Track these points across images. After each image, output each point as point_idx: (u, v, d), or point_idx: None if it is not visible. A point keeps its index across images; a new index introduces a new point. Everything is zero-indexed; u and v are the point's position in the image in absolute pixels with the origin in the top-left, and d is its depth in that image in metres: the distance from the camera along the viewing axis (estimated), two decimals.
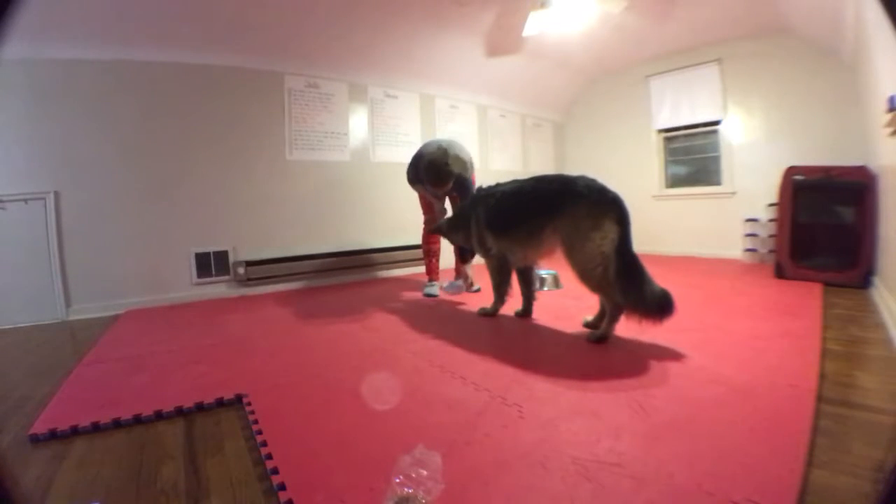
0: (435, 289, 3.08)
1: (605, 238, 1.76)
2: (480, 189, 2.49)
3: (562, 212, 1.88)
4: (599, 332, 1.84)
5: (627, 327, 1.80)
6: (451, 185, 2.69)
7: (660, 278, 1.79)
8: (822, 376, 1.40)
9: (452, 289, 2.63)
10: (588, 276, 1.81)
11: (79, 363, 1.88)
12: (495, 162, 5.14)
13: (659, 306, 1.69)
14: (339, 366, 1.71)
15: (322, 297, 3.26)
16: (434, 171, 2.63)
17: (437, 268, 3.21)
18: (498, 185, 2.32)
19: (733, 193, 4.39)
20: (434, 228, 2.71)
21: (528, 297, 2.35)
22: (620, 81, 5.20)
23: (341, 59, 3.81)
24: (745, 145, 4.30)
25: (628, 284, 1.73)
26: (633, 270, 1.75)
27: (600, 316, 1.98)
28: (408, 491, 0.85)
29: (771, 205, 3.86)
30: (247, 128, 3.51)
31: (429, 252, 3.19)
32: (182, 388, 1.53)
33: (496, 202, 2.22)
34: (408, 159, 2.99)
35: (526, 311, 2.34)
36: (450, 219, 2.61)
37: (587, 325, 2.04)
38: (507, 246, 2.20)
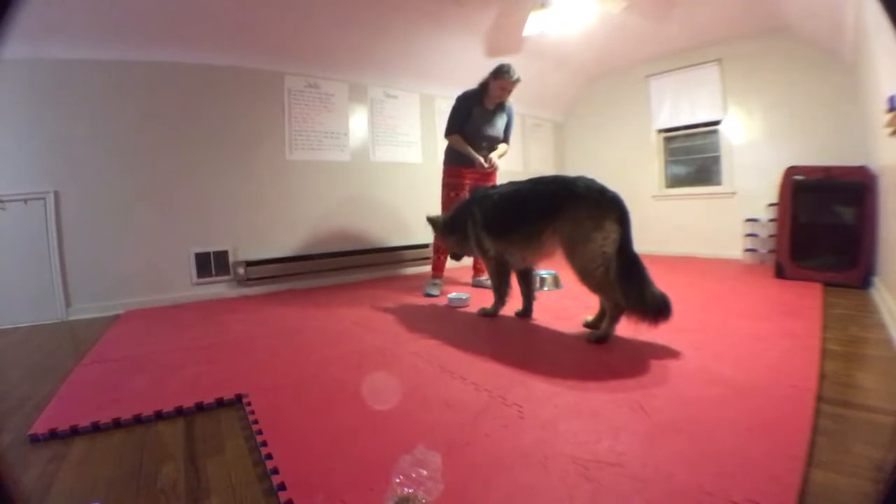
0: (436, 289, 3.08)
1: (607, 238, 1.76)
2: (477, 189, 2.49)
3: (562, 213, 1.88)
4: (600, 332, 1.84)
5: (627, 327, 1.80)
6: (516, 85, 2.92)
7: (660, 278, 1.79)
8: (822, 376, 1.40)
9: (457, 302, 2.67)
10: (589, 277, 1.81)
11: (79, 363, 1.88)
12: None
13: (657, 309, 1.69)
14: (339, 366, 1.71)
15: (322, 297, 3.26)
16: (506, 67, 2.86)
17: (444, 266, 3.21)
18: (494, 186, 2.33)
19: (733, 193, 4.39)
20: (432, 223, 2.69)
21: (528, 297, 2.35)
22: (620, 81, 5.20)
23: (341, 59, 3.81)
24: (745, 145, 4.30)
25: (629, 285, 1.72)
26: (634, 271, 1.74)
27: (600, 316, 1.98)
28: (408, 491, 0.85)
29: (771, 205, 3.86)
30: (247, 128, 3.51)
31: (438, 248, 3.17)
32: (182, 388, 1.53)
33: (493, 205, 2.22)
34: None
35: (526, 311, 2.34)
36: (447, 219, 2.60)
37: (587, 325, 2.04)
38: (506, 249, 2.20)
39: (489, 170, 3.08)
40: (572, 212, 1.85)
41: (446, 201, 3.13)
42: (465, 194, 3.10)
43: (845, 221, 2.99)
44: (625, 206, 1.81)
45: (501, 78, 2.89)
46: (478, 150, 3.05)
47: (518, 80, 2.93)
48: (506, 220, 2.15)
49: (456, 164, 3.07)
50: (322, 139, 3.89)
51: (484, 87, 3.00)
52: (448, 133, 3.07)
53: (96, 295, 2.98)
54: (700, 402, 1.25)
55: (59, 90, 2.87)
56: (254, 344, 2.09)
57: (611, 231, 1.76)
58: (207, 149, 3.36)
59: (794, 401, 1.23)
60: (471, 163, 3.02)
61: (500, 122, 3.12)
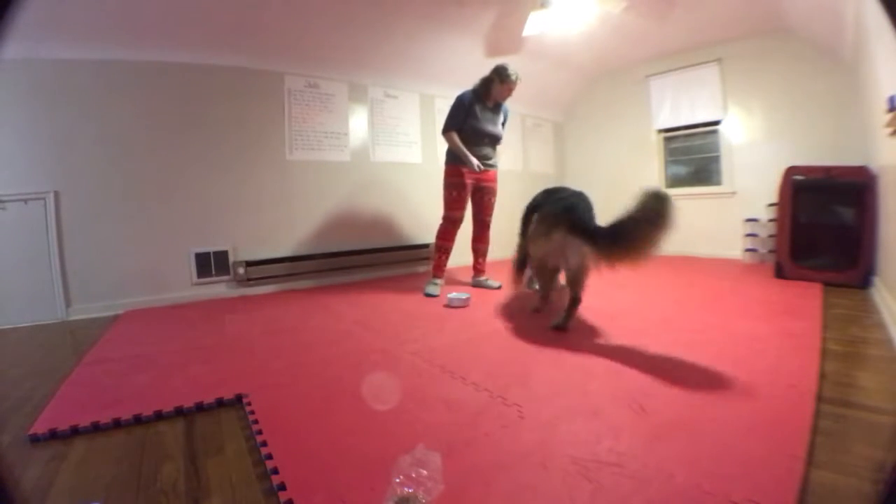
0: (437, 289, 3.08)
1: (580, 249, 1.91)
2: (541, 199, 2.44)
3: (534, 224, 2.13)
4: (559, 322, 2.03)
5: (628, 327, 1.80)
6: (515, 87, 3.02)
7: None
8: (822, 376, 1.40)
9: (457, 302, 2.67)
10: (575, 279, 2.02)
11: (79, 363, 1.88)
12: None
13: (656, 208, 1.61)
14: (339, 366, 1.71)
15: (322, 297, 3.26)
16: (510, 70, 2.96)
17: (444, 266, 3.22)
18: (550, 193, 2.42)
19: (733, 193, 4.38)
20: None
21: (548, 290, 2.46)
22: (620, 81, 5.20)
23: (341, 59, 3.81)
24: (745, 145, 4.30)
25: (616, 231, 1.73)
26: (605, 229, 1.79)
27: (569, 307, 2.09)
28: (408, 491, 0.85)
29: (771, 205, 3.86)
30: (247, 128, 3.51)
31: (440, 248, 3.19)
32: (182, 388, 1.53)
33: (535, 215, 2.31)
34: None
35: (544, 298, 2.44)
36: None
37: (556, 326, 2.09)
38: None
39: (483, 172, 3.11)
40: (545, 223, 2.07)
41: (447, 201, 3.14)
42: (466, 194, 3.12)
43: (845, 221, 2.99)
44: (575, 215, 1.95)
45: (508, 82, 2.98)
46: (480, 146, 3.07)
47: (520, 80, 3.04)
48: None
49: (457, 163, 3.07)
50: (322, 139, 3.89)
51: (486, 86, 3.03)
52: (446, 130, 3.08)
53: (96, 295, 2.98)
54: (700, 402, 1.25)
55: (59, 90, 2.87)
56: (254, 344, 2.09)
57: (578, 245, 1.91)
58: (207, 149, 3.35)
59: (794, 401, 1.23)
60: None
61: (500, 120, 3.19)
